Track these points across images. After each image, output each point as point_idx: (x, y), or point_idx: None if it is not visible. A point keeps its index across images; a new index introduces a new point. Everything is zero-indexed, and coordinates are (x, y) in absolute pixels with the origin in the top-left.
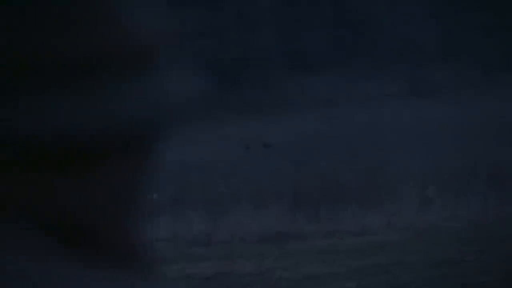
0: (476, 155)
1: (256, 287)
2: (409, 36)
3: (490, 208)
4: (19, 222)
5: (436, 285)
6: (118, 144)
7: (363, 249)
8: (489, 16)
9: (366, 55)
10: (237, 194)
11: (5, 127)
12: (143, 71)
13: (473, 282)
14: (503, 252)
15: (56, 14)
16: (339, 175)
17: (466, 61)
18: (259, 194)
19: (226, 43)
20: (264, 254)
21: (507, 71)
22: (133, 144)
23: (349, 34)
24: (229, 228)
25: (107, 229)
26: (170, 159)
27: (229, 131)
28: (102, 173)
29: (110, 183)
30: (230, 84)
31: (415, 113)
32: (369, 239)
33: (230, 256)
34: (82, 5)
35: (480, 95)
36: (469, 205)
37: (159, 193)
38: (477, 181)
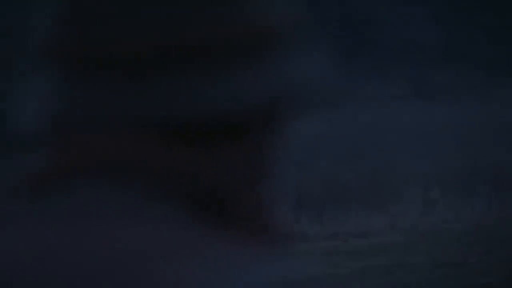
0: (479, 156)
1: None
2: (411, 37)
3: (493, 210)
4: (165, 193)
5: (439, 286)
6: (254, 121)
7: (366, 250)
8: (492, 17)
9: (367, 56)
10: None
11: (161, 108)
12: (275, 54)
13: (476, 283)
14: (506, 253)
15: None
16: (342, 176)
17: (469, 63)
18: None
19: None
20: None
21: (511, 73)
22: (266, 122)
23: (351, 35)
24: None
25: (244, 201)
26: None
27: None
28: (240, 148)
29: (248, 158)
30: None
31: (418, 114)
32: (372, 241)
33: None
34: None
35: (483, 97)
36: (472, 206)
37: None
38: (480, 182)
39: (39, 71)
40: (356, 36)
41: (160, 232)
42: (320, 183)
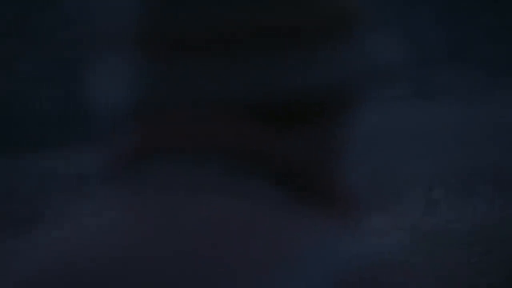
0: (482, 157)
1: None
2: (414, 37)
3: (496, 210)
4: (247, 170)
5: (442, 287)
6: (333, 103)
7: None
8: (494, 17)
9: None
10: None
11: (245, 88)
12: (352, 37)
13: (478, 283)
14: (508, 253)
15: None
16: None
17: (472, 63)
18: None
19: None
20: None
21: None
22: (343, 105)
23: None
24: None
25: (322, 178)
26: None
27: None
28: (318, 128)
29: (325, 138)
30: None
31: (420, 115)
32: (374, 240)
33: None
34: None
35: (486, 97)
36: (474, 207)
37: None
38: (482, 183)
39: (128, 53)
40: None
41: (243, 207)
42: None
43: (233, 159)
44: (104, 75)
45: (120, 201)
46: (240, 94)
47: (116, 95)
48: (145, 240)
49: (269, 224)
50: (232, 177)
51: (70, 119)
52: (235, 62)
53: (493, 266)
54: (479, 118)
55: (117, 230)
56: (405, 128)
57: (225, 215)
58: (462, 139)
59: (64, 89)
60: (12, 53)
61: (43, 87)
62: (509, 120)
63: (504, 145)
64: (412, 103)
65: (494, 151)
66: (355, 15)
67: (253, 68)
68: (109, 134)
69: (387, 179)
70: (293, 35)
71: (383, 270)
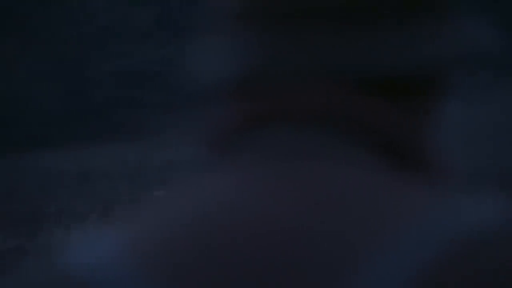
0: (487, 156)
1: None
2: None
3: (500, 210)
4: (355, 139)
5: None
6: (437, 77)
7: None
8: (498, 15)
9: None
10: None
11: (354, 59)
12: (450, 18)
13: None
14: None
15: None
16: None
17: (477, 62)
18: None
19: None
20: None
21: None
22: (445, 80)
23: None
24: None
25: (422, 148)
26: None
27: None
28: (421, 101)
29: (426, 110)
30: None
31: None
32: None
33: None
34: None
35: (491, 96)
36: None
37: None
38: (487, 182)
39: (237, 27)
40: None
41: (352, 175)
42: None
43: (339, 128)
44: (213, 49)
45: (234, 171)
46: (347, 66)
47: (225, 68)
48: (267, 209)
49: (377, 193)
50: (339, 146)
51: (81, 117)
52: (344, 35)
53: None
54: (485, 117)
55: (237, 200)
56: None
57: (334, 182)
58: (467, 138)
59: (66, 86)
60: (15, 51)
61: (46, 85)
62: None
63: (507, 145)
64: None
65: (501, 151)
66: None
67: (361, 42)
68: (218, 107)
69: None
70: (400, 12)
71: (491, 242)
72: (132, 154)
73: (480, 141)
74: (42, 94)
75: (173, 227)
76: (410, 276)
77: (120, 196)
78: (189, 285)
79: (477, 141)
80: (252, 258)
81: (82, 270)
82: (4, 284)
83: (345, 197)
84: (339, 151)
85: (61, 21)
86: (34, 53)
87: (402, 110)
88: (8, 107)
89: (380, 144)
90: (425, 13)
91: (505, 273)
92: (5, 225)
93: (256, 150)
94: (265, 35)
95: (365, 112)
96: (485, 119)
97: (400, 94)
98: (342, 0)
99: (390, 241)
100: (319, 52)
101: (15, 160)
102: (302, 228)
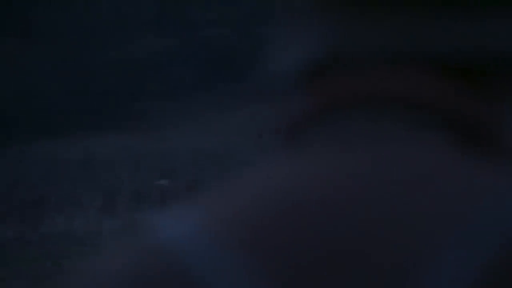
0: None
1: None
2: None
3: None
4: (432, 123)
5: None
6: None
7: None
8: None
9: None
10: None
11: (433, 43)
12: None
13: None
14: None
15: None
16: None
17: None
18: None
19: None
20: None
21: None
22: None
23: None
24: None
25: (496, 135)
26: None
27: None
28: (497, 85)
29: (503, 95)
30: None
31: None
32: None
33: None
34: None
35: None
36: None
37: None
38: None
39: (317, 8)
40: None
41: (428, 159)
42: None
43: (417, 113)
44: (291, 33)
45: (309, 155)
46: (427, 51)
47: (303, 53)
48: (343, 190)
49: (454, 178)
50: (416, 130)
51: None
52: (425, 19)
53: None
54: None
55: (312, 181)
56: None
57: (411, 166)
58: None
59: (69, 76)
60: (18, 41)
61: (49, 75)
62: None
63: None
64: None
65: None
66: None
67: (442, 26)
68: (294, 92)
69: None
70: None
71: None
72: (135, 143)
73: None
74: (45, 84)
75: (255, 204)
76: (482, 263)
77: (123, 185)
78: (274, 258)
79: None
80: (329, 236)
81: (172, 245)
82: (100, 261)
83: (420, 182)
84: (416, 135)
85: (63, 11)
86: (37, 43)
87: (480, 96)
88: (11, 97)
89: (457, 129)
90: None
91: None
92: (9, 214)
93: (333, 134)
94: (343, 19)
95: (444, 97)
96: None
97: (479, 81)
98: None
99: (462, 226)
100: (399, 36)
101: (18, 150)
102: (376, 209)
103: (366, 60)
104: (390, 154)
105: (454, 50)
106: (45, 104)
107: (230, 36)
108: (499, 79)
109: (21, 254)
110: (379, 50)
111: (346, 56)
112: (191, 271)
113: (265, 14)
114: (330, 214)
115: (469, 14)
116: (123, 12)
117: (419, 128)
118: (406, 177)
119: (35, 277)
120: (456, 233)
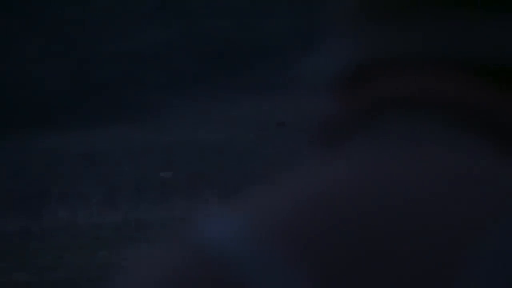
0: None
1: None
2: None
3: None
4: (469, 126)
5: None
6: None
7: None
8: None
9: None
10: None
11: (473, 46)
12: None
13: None
14: None
15: None
16: None
17: None
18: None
19: None
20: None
21: None
22: None
23: None
24: None
25: None
26: None
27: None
28: None
29: None
30: None
31: None
32: None
33: None
34: None
35: None
36: None
37: None
38: None
39: (359, 13)
40: None
41: (465, 162)
42: None
43: (454, 116)
44: (334, 36)
45: (349, 157)
46: (465, 54)
47: (343, 56)
48: (384, 191)
49: (490, 182)
50: (453, 133)
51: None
52: (465, 22)
53: None
54: None
55: (354, 182)
56: None
57: (448, 169)
58: None
59: (71, 68)
60: (18, 34)
61: (49, 67)
62: None
63: None
64: None
65: None
66: None
67: (481, 30)
68: (332, 95)
69: None
70: None
71: None
72: (137, 135)
73: None
74: (45, 76)
75: (299, 205)
76: None
77: (125, 177)
78: (322, 260)
79: None
80: (379, 237)
81: (217, 246)
82: (149, 255)
83: (459, 184)
84: (457, 138)
85: (64, 3)
86: (37, 36)
87: None
88: (12, 90)
89: (497, 131)
90: None
91: None
92: (11, 206)
93: (372, 136)
94: (382, 22)
95: (484, 100)
96: None
97: None
98: None
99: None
100: (437, 39)
101: (20, 142)
102: (418, 211)
103: (407, 62)
104: (430, 157)
105: (494, 53)
106: (46, 97)
107: (232, 28)
108: None
109: (23, 247)
110: (418, 53)
111: (386, 58)
112: (237, 274)
113: (267, 6)
114: (376, 216)
115: (509, 17)
116: (125, 4)
117: (460, 131)
118: (447, 180)
119: (37, 270)
120: (499, 236)
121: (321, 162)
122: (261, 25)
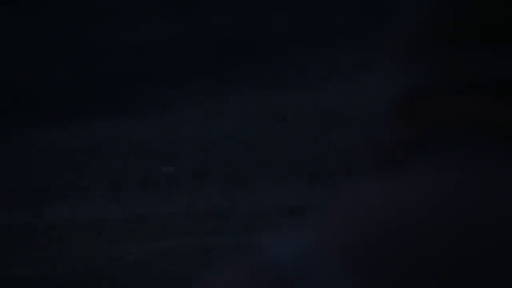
0: None
1: None
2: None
3: None
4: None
5: None
6: None
7: None
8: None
9: (381, 30)
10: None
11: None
12: None
13: None
14: None
15: None
16: (357, 148)
17: None
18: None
19: None
20: (282, 228)
21: None
22: None
23: (364, 9)
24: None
25: None
26: None
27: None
28: None
29: None
30: None
31: None
32: None
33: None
34: None
35: None
36: None
37: None
38: None
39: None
40: (369, 10)
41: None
42: (334, 155)
43: (504, 141)
44: (391, 62)
45: (405, 180)
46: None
47: (400, 82)
48: (443, 213)
49: None
50: (504, 156)
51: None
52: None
53: None
54: None
55: (413, 204)
56: None
57: (500, 192)
58: None
59: (74, 62)
60: (21, 28)
61: (52, 61)
62: None
63: None
64: None
65: None
66: None
67: None
68: (390, 120)
69: None
70: None
71: None
72: (140, 129)
73: None
74: (49, 70)
75: (361, 224)
76: None
77: (128, 171)
78: (389, 283)
79: None
80: (444, 259)
81: (282, 266)
82: (215, 280)
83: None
84: (505, 161)
85: None
86: (40, 29)
87: None
88: (16, 83)
89: None
90: None
91: None
92: (14, 200)
93: (426, 161)
94: (443, 45)
95: None
96: None
97: None
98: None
99: None
100: (486, 66)
101: (23, 136)
102: (479, 234)
103: (463, 87)
104: (489, 179)
105: None
106: (49, 89)
107: (237, 23)
108: None
109: (25, 241)
110: (476, 77)
111: (444, 82)
112: None
113: (271, 1)
114: (440, 238)
115: None
116: None
117: (506, 155)
118: (503, 202)
119: (40, 264)
120: None
121: (380, 184)
122: (266, 19)
